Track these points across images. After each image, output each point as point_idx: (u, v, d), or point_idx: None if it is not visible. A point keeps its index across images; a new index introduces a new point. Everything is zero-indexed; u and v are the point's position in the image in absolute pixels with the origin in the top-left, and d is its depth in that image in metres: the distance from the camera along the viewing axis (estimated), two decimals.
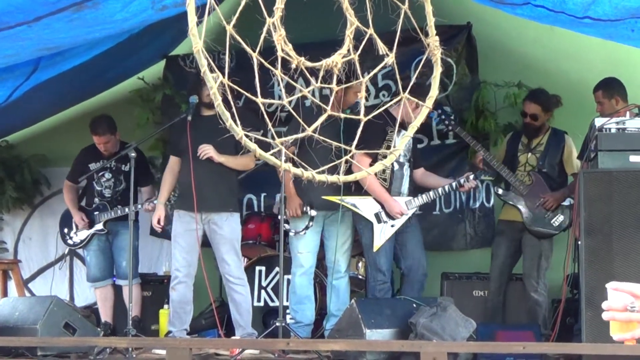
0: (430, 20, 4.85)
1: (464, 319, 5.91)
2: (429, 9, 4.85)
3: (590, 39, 7.23)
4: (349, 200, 6.95)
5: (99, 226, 7.86)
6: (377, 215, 6.89)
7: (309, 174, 3.95)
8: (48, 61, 7.26)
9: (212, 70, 3.41)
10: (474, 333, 5.90)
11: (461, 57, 8.52)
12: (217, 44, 3.24)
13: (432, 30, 4.86)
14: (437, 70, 5.05)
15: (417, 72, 4.72)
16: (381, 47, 4.59)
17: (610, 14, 6.03)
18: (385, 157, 6.70)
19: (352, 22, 4.36)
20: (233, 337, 6.86)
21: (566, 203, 7.20)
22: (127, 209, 7.40)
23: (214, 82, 3.41)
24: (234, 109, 3.47)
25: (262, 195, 8.79)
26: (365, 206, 6.94)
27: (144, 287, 8.09)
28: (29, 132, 9.60)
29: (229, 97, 3.44)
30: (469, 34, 8.50)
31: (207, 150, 6.76)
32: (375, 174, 6.85)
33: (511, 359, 5.77)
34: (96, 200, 7.96)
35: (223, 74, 3.28)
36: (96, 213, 7.88)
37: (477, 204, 8.38)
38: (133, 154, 6.91)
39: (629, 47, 7.08)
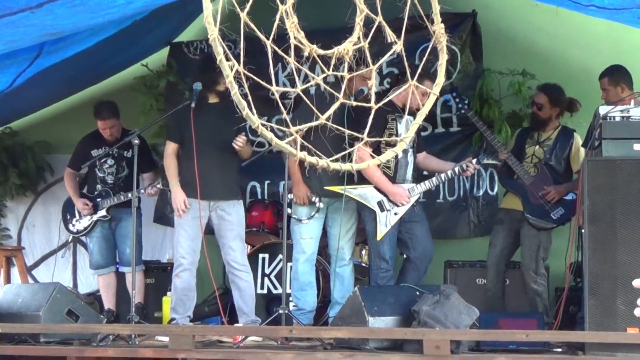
0: (436, 8, 4.84)
1: (466, 306, 5.90)
2: None
3: (596, 26, 7.24)
4: (352, 190, 6.95)
5: (102, 212, 7.85)
6: (380, 204, 6.88)
7: (323, 162, 3.96)
8: (51, 47, 7.25)
9: (227, 59, 3.41)
10: (476, 321, 5.89)
11: (466, 45, 8.51)
12: (229, 31, 3.25)
13: (437, 18, 4.85)
14: (443, 58, 5.03)
15: (424, 59, 4.72)
16: (390, 35, 4.59)
17: (615, 3, 6.01)
18: (389, 145, 6.75)
19: (362, 9, 4.36)
20: (236, 324, 6.86)
21: (568, 197, 7.22)
22: (129, 195, 7.40)
23: (230, 71, 3.41)
24: (249, 98, 3.48)
25: (266, 182, 8.80)
26: (368, 195, 6.94)
27: (147, 274, 8.09)
28: (33, 118, 9.60)
29: (245, 85, 3.44)
30: (473, 22, 8.50)
31: (242, 143, 6.82)
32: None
33: (514, 347, 5.76)
34: (98, 187, 7.95)
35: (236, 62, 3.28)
36: (99, 200, 7.87)
37: (481, 192, 8.39)
38: (136, 141, 6.89)
39: (634, 35, 7.08)
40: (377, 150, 6.42)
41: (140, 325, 6.68)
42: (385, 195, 6.87)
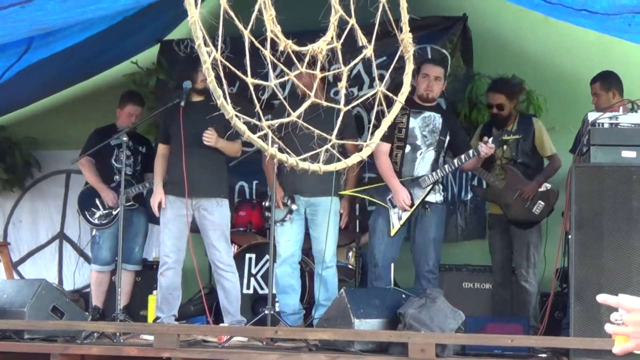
0: (405, 17, 4.87)
1: (452, 310, 5.91)
2: (403, 4, 4.86)
3: (586, 33, 7.23)
4: (363, 191, 7.03)
5: (128, 202, 7.75)
6: (391, 200, 6.90)
7: (293, 160, 3.95)
8: (40, 42, 7.23)
9: (206, 45, 3.40)
10: (462, 325, 5.90)
11: (456, 48, 8.52)
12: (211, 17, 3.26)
13: (405, 27, 4.86)
14: (409, 67, 5.03)
15: (392, 67, 4.74)
16: (361, 38, 4.60)
17: (607, 9, 6.03)
18: (400, 140, 6.91)
19: (337, 9, 4.37)
20: (221, 324, 6.85)
21: (543, 189, 7.25)
22: (148, 184, 7.57)
23: (208, 57, 3.39)
24: (225, 87, 3.46)
25: (254, 182, 8.78)
26: (379, 192, 6.98)
27: (136, 273, 8.06)
28: (21, 114, 9.57)
29: (222, 75, 3.42)
30: (464, 26, 8.50)
31: (209, 138, 6.76)
32: (389, 156, 6.93)
33: (499, 352, 5.77)
34: (116, 177, 7.82)
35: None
36: (126, 190, 7.80)
37: (469, 196, 8.38)
38: (125, 138, 6.88)
39: (624, 42, 7.09)
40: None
41: (125, 324, 6.68)
42: None
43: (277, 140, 3.80)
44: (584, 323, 5.58)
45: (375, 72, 4.53)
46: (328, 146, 4.30)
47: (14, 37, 6.77)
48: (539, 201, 7.23)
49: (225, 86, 3.44)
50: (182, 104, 6.82)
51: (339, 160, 3.80)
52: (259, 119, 3.75)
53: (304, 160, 3.92)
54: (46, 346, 6.16)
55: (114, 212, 7.81)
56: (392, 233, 6.88)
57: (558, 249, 6.86)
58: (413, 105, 6.82)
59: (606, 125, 5.78)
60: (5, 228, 9.80)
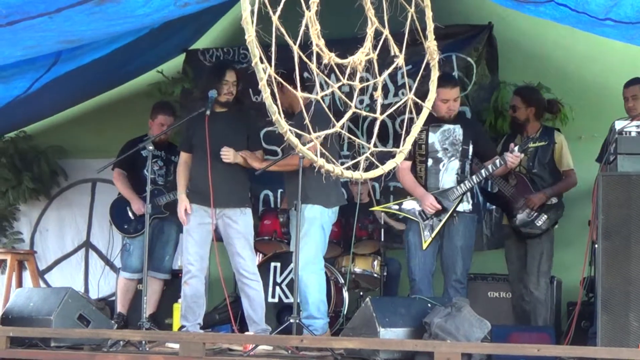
0: (430, 26, 4.91)
1: (478, 319, 5.89)
2: (429, 14, 4.91)
3: (612, 42, 7.21)
4: (393, 206, 7.09)
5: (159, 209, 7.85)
6: (421, 213, 6.89)
7: (338, 170, 4.02)
8: (68, 54, 7.31)
9: (262, 61, 3.45)
10: (488, 334, 5.87)
11: (481, 57, 8.53)
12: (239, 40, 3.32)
13: (431, 35, 4.92)
14: (435, 74, 5.10)
15: (420, 75, 4.75)
16: (393, 48, 4.66)
17: (632, 17, 6.02)
18: (422, 156, 6.93)
19: (373, 21, 4.41)
20: (246, 333, 6.85)
21: (550, 202, 7.29)
22: (172, 196, 7.61)
23: (264, 74, 3.44)
24: (279, 104, 3.51)
25: (279, 191, 8.80)
26: (409, 207, 6.97)
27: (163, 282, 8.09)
28: (47, 123, 9.66)
29: (276, 92, 3.48)
30: (489, 34, 8.52)
31: (226, 155, 6.77)
32: (414, 172, 6.94)
33: None
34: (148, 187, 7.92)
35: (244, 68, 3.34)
36: (157, 198, 7.86)
37: (494, 206, 8.35)
38: (150, 147, 6.90)
39: None
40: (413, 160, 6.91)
41: (150, 332, 6.69)
42: None
43: (324, 152, 3.84)
44: (612, 333, 5.55)
45: (407, 81, 4.56)
46: (367, 154, 4.36)
47: (43, 49, 6.83)
48: (543, 214, 7.25)
49: (279, 102, 3.50)
50: (208, 113, 6.83)
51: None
52: (308, 131, 3.80)
53: (347, 169, 3.99)
54: (72, 354, 6.19)
55: (149, 219, 7.84)
56: (425, 246, 6.84)
57: (585, 258, 6.83)
58: (431, 120, 6.78)
59: (634, 134, 5.73)
60: (32, 237, 9.88)
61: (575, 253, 7.33)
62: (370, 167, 4.43)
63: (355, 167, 4.28)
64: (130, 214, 7.94)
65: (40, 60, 7.21)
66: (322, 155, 3.94)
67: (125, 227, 7.97)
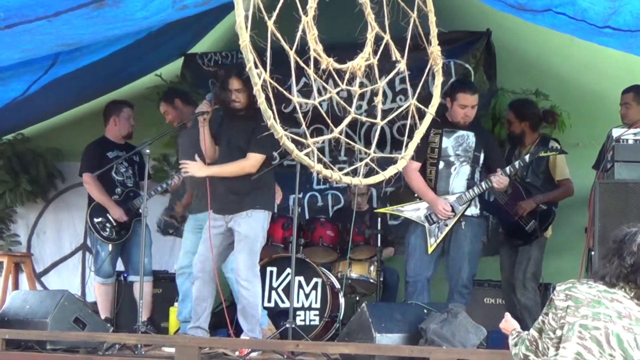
0: (434, 31, 4.90)
1: (474, 326, 5.90)
2: (432, 19, 4.91)
3: (610, 51, 7.22)
4: (400, 208, 7.06)
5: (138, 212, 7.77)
6: (427, 217, 6.88)
7: (336, 175, 4.02)
8: (66, 56, 7.30)
9: (256, 66, 3.45)
10: (484, 340, 5.89)
11: (479, 63, 8.54)
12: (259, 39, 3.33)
13: (434, 40, 4.92)
14: (439, 79, 5.10)
15: (422, 80, 4.74)
16: (394, 53, 4.65)
17: (631, 24, 6.02)
18: (433, 159, 6.92)
19: (373, 26, 4.41)
20: (242, 337, 6.79)
21: (540, 208, 7.35)
22: (152, 193, 7.53)
23: (258, 79, 3.44)
24: (274, 108, 3.50)
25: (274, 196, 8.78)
26: (415, 210, 6.97)
27: (154, 285, 8.06)
28: (45, 125, 9.65)
29: (271, 97, 3.47)
30: (488, 41, 8.53)
31: (187, 168, 6.71)
32: (424, 174, 6.91)
33: None
34: (118, 190, 7.90)
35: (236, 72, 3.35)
36: (133, 201, 7.88)
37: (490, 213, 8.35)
38: (147, 151, 6.89)
39: None
40: (424, 164, 6.91)
41: (146, 335, 6.67)
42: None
43: (322, 157, 3.84)
44: None
45: (408, 86, 4.55)
46: (367, 160, 4.36)
47: (41, 51, 6.83)
48: (533, 220, 7.30)
49: (274, 107, 3.49)
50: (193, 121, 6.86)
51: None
52: (305, 137, 3.80)
53: (346, 174, 3.99)
54: (68, 357, 6.21)
55: (129, 224, 7.90)
56: (430, 250, 6.83)
57: (581, 265, 6.83)
58: (446, 125, 6.78)
59: (631, 142, 5.75)
60: (29, 239, 9.87)
61: (572, 260, 7.32)
62: (369, 172, 4.42)
63: (354, 172, 4.28)
64: (110, 218, 7.88)
65: (38, 63, 7.20)
66: (320, 161, 3.94)
67: (105, 232, 7.90)
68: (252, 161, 6.64)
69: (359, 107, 4.73)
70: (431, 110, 4.84)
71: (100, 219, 7.89)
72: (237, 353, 6.37)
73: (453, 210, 6.80)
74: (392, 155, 4.80)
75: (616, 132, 5.85)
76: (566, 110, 8.01)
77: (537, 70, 8.45)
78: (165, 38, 8.14)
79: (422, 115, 4.73)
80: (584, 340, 3.53)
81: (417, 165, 6.84)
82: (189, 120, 7.02)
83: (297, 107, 3.79)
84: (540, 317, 3.80)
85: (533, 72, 8.43)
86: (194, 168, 6.68)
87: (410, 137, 4.77)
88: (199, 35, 9.33)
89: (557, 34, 7.16)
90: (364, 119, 4.61)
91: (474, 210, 6.94)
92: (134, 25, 6.60)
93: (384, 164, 4.53)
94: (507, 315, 4.29)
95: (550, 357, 3.66)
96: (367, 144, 5.06)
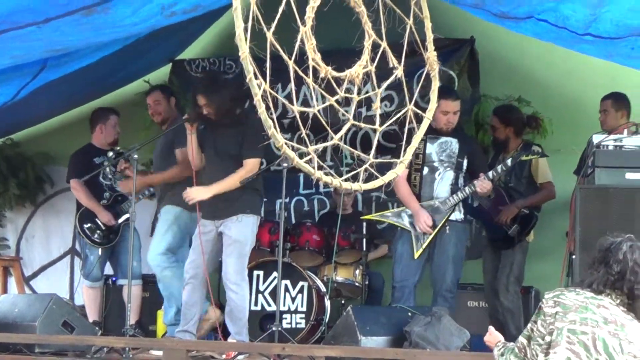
0: (430, 37, 4.95)
1: (458, 329, 5.93)
2: (428, 25, 4.95)
3: (591, 59, 7.28)
4: (386, 213, 7.11)
5: (126, 216, 7.77)
6: (412, 224, 6.88)
7: (336, 181, 4.07)
8: (55, 61, 7.31)
9: (256, 77, 3.48)
10: (467, 343, 5.92)
11: (463, 70, 8.57)
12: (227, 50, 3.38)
13: (431, 46, 4.97)
14: (435, 84, 5.16)
15: (419, 85, 4.77)
16: (391, 60, 4.69)
17: (611, 32, 6.08)
18: (418, 164, 6.91)
19: (370, 34, 4.46)
20: (229, 340, 6.80)
21: (522, 213, 7.40)
22: (140, 197, 7.63)
23: (258, 89, 3.48)
24: (274, 117, 3.54)
25: (263, 200, 8.79)
26: (402, 216, 6.98)
27: (143, 288, 8.05)
28: (34, 130, 9.64)
29: (271, 106, 3.50)
30: (471, 48, 8.56)
31: (190, 196, 6.69)
32: (408, 179, 6.90)
33: None
34: (106, 194, 7.93)
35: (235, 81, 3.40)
36: (117, 205, 7.92)
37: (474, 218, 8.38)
38: (136, 156, 6.89)
39: (630, 71, 7.15)
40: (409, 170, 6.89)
41: (134, 339, 6.67)
42: None
43: (322, 164, 3.88)
44: None
45: (406, 92, 4.58)
46: (367, 165, 4.40)
47: (30, 56, 6.84)
48: (516, 224, 7.36)
49: (274, 116, 3.53)
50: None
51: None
52: (305, 144, 3.84)
53: (346, 180, 4.04)
54: None
55: (117, 228, 7.91)
56: (416, 255, 6.82)
57: (562, 268, 6.86)
58: (429, 131, 6.80)
59: (611, 148, 5.79)
60: (17, 243, 9.86)
61: (553, 264, 7.36)
62: (369, 178, 4.48)
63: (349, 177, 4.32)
64: (99, 223, 7.89)
65: (27, 67, 7.21)
66: (320, 167, 3.99)
67: (95, 237, 7.89)
68: (250, 166, 6.67)
69: (344, 115, 4.76)
70: (428, 115, 4.88)
71: (89, 224, 7.89)
72: (224, 356, 6.40)
73: (434, 224, 6.82)
74: (392, 160, 4.86)
75: (596, 139, 5.89)
76: (548, 117, 8.05)
77: (519, 78, 8.48)
78: (153, 44, 8.14)
79: (415, 120, 4.79)
80: (573, 344, 3.59)
81: (405, 173, 6.79)
82: (176, 124, 7.04)
83: (297, 115, 3.83)
84: (529, 325, 3.85)
85: (516, 79, 8.46)
86: (198, 193, 6.64)
87: (408, 142, 4.83)
88: (186, 41, 9.34)
89: (540, 43, 7.22)
90: (363, 125, 4.65)
91: (458, 215, 6.95)
92: (123, 31, 6.62)
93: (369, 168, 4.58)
94: (491, 328, 4.32)
95: None
96: (354, 150, 5.12)
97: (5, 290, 9.11)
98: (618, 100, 7.20)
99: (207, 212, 6.73)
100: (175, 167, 7.19)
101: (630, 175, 5.69)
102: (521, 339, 3.91)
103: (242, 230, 6.68)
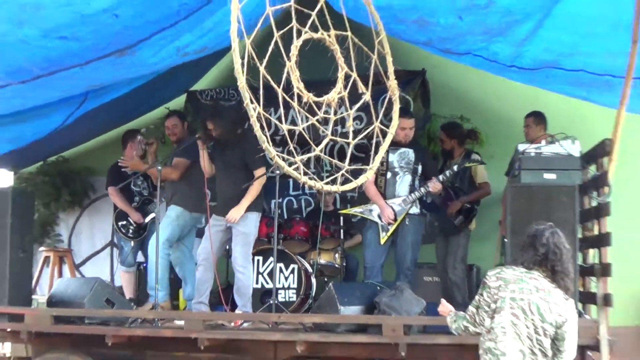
0: (391, 68, 4.98)
1: (416, 299, 5.94)
2: (389, 59, 4.98)
3: (518, 84, 7.30)
4: (357, 209, 7.10)
5: (152, 215, 7.87)
6: (379, 217, 6.88)
7: (319, 185, 4.12)
8: (94, 94, 7.32)
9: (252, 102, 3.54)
10: (424, 310, 5.93)
11: (417, 95, 8.56)
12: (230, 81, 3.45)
13: (392, 76, 4.99)
14: (396, 106, 5.17)
15: (384, 107, 4.79)
16: (360, 87, 4.72)
17: (531, 64, 6.14)
18: (382, 170, 6.92)
19: (342, 67, 4.52)
20: (237, 312, 6.81)
21: (465, 207, 7.42)
22: (163, 199, 7.54)
23: (254, 112, 3.53)
24: (267, 133, 3.58)
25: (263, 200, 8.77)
26: (369, 211, 6.98)
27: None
28: (80, 149, 9.62)
29: (264, 125, 3.54)
30: (423, 78, 8.55)
31: (232, 217, 6.67)
32: (375, 182, 6.92)
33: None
34: (136, 199, 8.00)
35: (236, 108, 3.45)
36: (145, 206, 7.97)
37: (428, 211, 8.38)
38: (159, 167, 6.88)
39: (548, 95, 7.20)
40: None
41: (161, 312, 6.66)
42: None
43: (307, 171, 3.92)
44: None
45: (373, 113, 4.62)
46: (343, 171, 4.45)
47: (75, 90, 6.85)
48: (460, 216, 7.39)
49: (267, 131, 3.58)
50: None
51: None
52: (292, 155, 3.88)
53: (327, 184, 4.11)
54: (101, 329, 6.21)
55: (146, 224, 7.95)
56: (382, 242, 6.83)
57: (497, 249, 6.91)
58: (391, 144, 6.78)
59: (532, 154, 5.81)
60: (69, 238, 9.83)
61: (490, 246, 7.43)
62: (346, 181, 4.51)
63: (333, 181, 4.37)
64: (131, 221, 7.95)
65: (72, 99, 7.21)
66: (305, 173, 4.05)
67: (128, 232, 7.96)
68: (260, 174, 6.71)
69: (323, 131, 4.80)
70: (391, 131, 4.92)
71: (123, 222, 7.97)
72: (232, 324, 6.41)
73: (395, 217, 6.84)
74: (363, 167, 4.90)
75: (521, 147, 5.91)
76: (484, 131, 8.08)
77: (463, 100, 8.46)
78: (172, 78, 8.15)
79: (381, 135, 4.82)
80: (514, 309, 3.78)
81: (373, 177, 6.84)
82: (186, 143, 7.12)
83: (286, 133, 3.86)
84: (477, 297, 3.98)
85: (460, 101, 8.44)
86: (237, 213, 6.64)
87: (375, 152, 4.88)
88: (199, 75, 9.33)
89: (478, 72, 7.24)
90: (338, 139, 4.70)
91: (415, 210, 6.97)
92: (147, 68, 6.64)
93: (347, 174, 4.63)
94: (443, 300, 4.48)
95: (486, 325, 3.87)
96: (332, 160, 5.17)
97: (60, 275, 9.09)
98: (538, 117, 7.25)
99: (220, 210, 6.76)
100: (168, 167, 7.23)
101: (547, 176, 5.71)
102: (471, 308, 4.00)
103: (247, 225, 6.73)
